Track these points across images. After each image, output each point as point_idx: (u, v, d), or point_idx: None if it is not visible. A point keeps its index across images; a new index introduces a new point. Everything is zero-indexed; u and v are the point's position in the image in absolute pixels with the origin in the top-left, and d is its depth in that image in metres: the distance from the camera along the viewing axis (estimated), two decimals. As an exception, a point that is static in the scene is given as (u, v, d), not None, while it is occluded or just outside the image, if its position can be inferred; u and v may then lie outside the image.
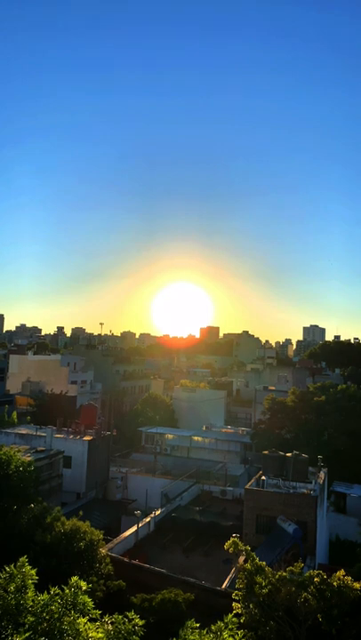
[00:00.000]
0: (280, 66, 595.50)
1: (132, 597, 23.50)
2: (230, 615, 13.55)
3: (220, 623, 13.00)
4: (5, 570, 10.09)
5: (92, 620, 10.07)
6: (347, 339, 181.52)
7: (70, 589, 9.98)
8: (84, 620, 9.58)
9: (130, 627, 10.39)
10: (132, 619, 10.58)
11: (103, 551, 26.44)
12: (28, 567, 10.16)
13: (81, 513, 29.57)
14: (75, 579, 10.25)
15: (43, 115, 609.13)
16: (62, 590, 9.99)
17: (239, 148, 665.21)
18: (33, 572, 10.10)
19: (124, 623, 10.43)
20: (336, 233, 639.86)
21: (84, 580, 10.52)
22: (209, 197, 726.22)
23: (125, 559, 28.97)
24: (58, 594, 9.86)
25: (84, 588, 10.08)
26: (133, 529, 34.12)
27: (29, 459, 33.88)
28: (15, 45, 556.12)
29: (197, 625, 12.16)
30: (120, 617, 10.60)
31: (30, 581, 9.89)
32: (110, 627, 10.38)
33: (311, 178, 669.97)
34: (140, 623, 10.64)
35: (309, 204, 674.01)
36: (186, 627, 12.07)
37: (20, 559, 10.37)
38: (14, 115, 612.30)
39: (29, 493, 28.46)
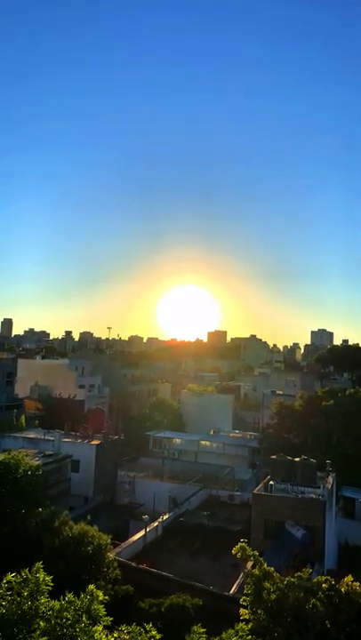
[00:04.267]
0: (283, 67, 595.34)
1: (140, 602, 23.51)
2: (242, 623, 13.52)
3: (230, 630, 12.98)
4: (20, 574, 10.14)
5: (104, 628, 10.10)
6: (355, 343, 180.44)
7: (86, 597, 10.00)
8: (100, 627, 9.61)
9: (146, 638, 10.38)
10: (149, 630, 10.57)
11: (111, 555, 26.47)
12: (43, 573, 10.20)
13: (89, 517, 29.65)
14: (91, 587, 10.27)
15: (44, 119, 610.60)
16: (78, 596, 10.02)
17: (242, 150, 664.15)
18: (48, 578, 10.14)
19: (140, 634, 10.42)
20: (344, 237, 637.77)
21: (92, 584, 10.56)
22: (215, 200, 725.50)
23: (133, 563, 28.99)
24: (72, 601, 9.90)
25: (100, 597, 10.10)
26: (141, 533, 34.13)
27: (37, 463, 34.07)
28: (15, 49, 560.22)
29: (203, 630, 12.13)
30: (138, 628, 10.58)
31: (45, 587, 9.93)
32: (127, 636, 10.39)
33: (318, 181, 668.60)
34: (158, 637, 10.61)
35: (317, 208, 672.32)
36: (193, 632, 12.02)
37: (36, 564, 10.43)
38: (16, 120, 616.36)
39: (37, 497, 28.57)
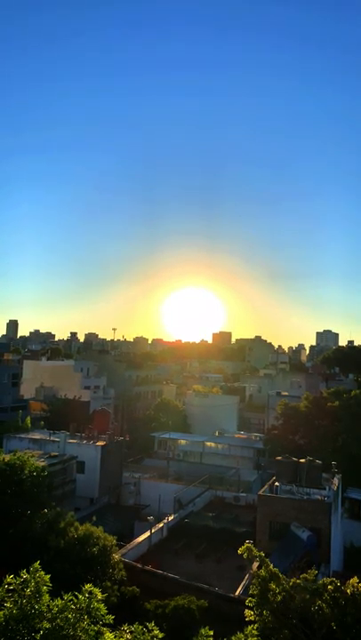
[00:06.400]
0: (283, 69, 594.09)
1: (146, 604, 23.51)
2: (250, 627, 13.47)
3: (239, 634, 12.94)
4: (20, 575, 10.17)
5: (105, 626, 10.09)
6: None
7: (84, 596, 10.01)
8: (107, 632, 9.61)
9: (148, 637, 10.37)
10: (152, 629, 10.57)
11: (116, 556, 26.50)
12: (42, 573, 10.22)
13: (94, 518, 29.72)
14: (88, 586, 10.27)
15: (45, 123, 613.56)
16: (76, 597, 10.02)
17: (244, 152, 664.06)
18: (47, 577, 10.15)
19: (143, 634, 10.42)
20: (349, 237, 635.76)
21: (98, 586, 10.56)
22: (218, 202, 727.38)
23: (139, 565, 28.98)
24: (71, 600, 9.89)
25: (99, 596, 10.09)
26: (146, 534, 34.15)
27: (43, 464, 34.12)
28: (15, 54, 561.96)
29: (211, 633, 12.09)
30: (140, 627, 10.58)
31: (45, 587, 9.94)
32: (129, 636, 10.38)
33: (324, 183, 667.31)
34: (160, 635, 10.60)
35: (320, 208, 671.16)
36: (200, 635, 11.97)
37: (34, 565, 10.43)
38: (17, 124, 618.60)
39: (43, 498, 28.63)
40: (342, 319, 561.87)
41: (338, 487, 36.80)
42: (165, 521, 37.50)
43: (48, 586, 10.05)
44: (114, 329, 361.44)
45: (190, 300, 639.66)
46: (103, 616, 9.96)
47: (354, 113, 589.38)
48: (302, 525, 30.73)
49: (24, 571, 10.26)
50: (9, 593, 9.79)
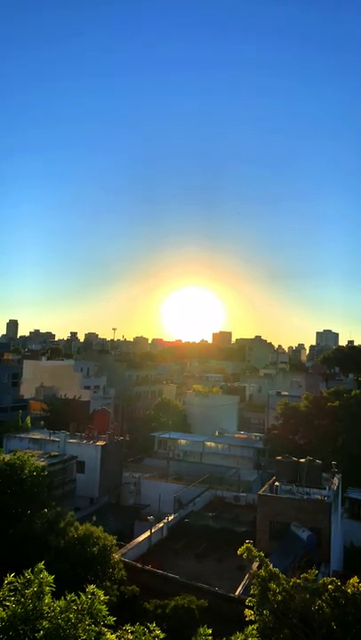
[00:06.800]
0: (284, 69, 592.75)
1: (146, 603, 23.51)
2: (250, 627, 13.46)
3: (239, 634, 12.92)
4: (23, 575, 10.15)
5: (106, 627, 10.09)
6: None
7: (86, 596, 10.00)
8: (109, 633, 9.61)
9: (150, 638, 10.36)
10: (153, 630, 10.56)
11: (116, 556, 26.51)
12: (46, 573, 10.21)
13: (94, 518, 29.71)
14: (92, 587, 10.26)
15: (47, 122, 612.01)
16: (78, 597, 10.01)
17: (245, 152, 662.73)
18: (50, 578, 10.14)
19: (144, 634, 10.41)
20: (350, 237, 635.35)
21: (98, 586, 10.55)
22: (219, 202, 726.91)
23: (138, 565, 28.99)
24: (74, 600, 9.88)
25: (102, 597, 10.07)
26: (146, 534, 34.16)
27: (43, 464, 34.15)
28: (18, 53, 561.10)
29: (209, 631, 12.07)
30: (141, 628, 10.57)
31: (48, 588, 9.92)
32: (130, 636, 10.37)
33: (324, 183, 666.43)
34: (162, 636, 10.60)
35: (323, 209, 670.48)
36: (199, 634, 11.96)
37: (38, 565, 10.40)
38: (19, 123, 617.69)
39: (43, 498, 28.64)
40: (342, 319, 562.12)
41: (338, 487, 36.82)
42: (165, 521, 37.51)
43: (51, 586, 10.04)
44: (114, 329, 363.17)
45: (190, 299, 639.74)
46: (105, 617, 9.94)
47: (354, 113, 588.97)
48: (302, 525, 30.74)
49: (29, 571, 10.25)
50: (11, 592, 9.78)
